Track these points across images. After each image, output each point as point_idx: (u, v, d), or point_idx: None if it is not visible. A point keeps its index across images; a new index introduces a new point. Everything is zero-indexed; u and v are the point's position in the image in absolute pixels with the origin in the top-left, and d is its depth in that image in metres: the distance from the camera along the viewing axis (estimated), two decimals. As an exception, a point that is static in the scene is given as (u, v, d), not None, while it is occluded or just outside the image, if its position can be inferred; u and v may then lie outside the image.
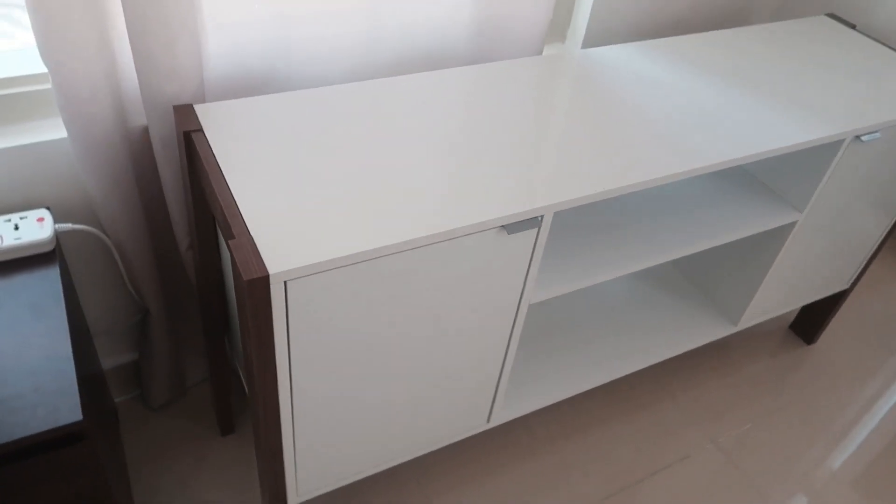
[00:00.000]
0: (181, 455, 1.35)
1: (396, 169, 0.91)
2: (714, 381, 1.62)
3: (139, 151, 1.07)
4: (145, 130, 1.06)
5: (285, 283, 0.77)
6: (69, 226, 1.04)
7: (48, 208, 1.06)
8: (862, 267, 1.56)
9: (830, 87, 1.24)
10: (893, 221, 1.47)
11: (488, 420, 1.20)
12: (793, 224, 1.27)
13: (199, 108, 0.97)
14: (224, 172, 0.87)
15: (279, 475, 0.99)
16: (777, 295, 1.45)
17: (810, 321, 1.72)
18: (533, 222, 0.90)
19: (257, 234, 0.79)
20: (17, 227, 0.99)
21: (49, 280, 0.96)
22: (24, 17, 1.12)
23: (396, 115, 1.01)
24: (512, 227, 0.88)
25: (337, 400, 0.95)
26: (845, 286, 1.60)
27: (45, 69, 1.04)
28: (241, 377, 1.21)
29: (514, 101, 1.08)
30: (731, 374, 1.65)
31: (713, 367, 1.66)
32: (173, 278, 1.27)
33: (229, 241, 0.77)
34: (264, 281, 0.74)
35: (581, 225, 1.17)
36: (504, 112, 1.06)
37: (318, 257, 0.77)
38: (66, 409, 0.82)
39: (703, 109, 1.13)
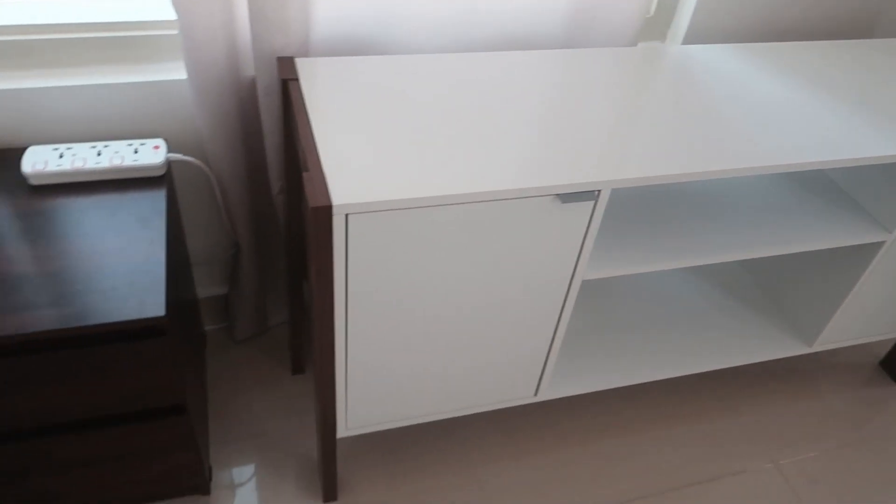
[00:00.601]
0: (254, 385, 1.48)
1: (469, 130, 0.97)
2: (783, 405, 1.56)
3: (245, 99, 1.19)
4: (252, 81, 1.17)
5: (347, 216, 0.84)
6: (179, 156, 1.17)
7: (165, 140, 1.20)
8: (965, 306, 1.45)
9: (942, 105, 1.18)
10: None
11: (536, 393, 1.24)
12: (880, 244, 1.22)
13: (299, 61, 1.07)
14: (309, 116, 0.96)
15: (330, 404, 1.07)
16: (859, 320, 1.38)
17: (903, 359, 1.62)
18: (588, 195, 0.93)
19: (329, 171, 0.87)
20: (136, 151, 1.13)
21: (156, 199, 1.09)
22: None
23: (480, 84, 1.07)
24: (566, 197, 0.91)
25: (387, 340, 1.02)
26: (944, 325, 1.50)
27: (172, 17, 1.17)
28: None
29: (595, 85, 1.11)
30: (803, 400, 1.58)
31: (784, 390, 1.60)
32: (264, 220, 1.39)
33: (303, 174, 0.86)
34: (327, 210, 0.82)
35: (646, 208, 1.18)
36: (583, 93, 1.09)
37: (379, 197, 0.84)
38: (152, 304, 0.94)
39: (792, 113, 1.11)
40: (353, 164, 0.89)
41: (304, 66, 1.06)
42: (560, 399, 1.51)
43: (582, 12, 1.26)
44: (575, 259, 1.01)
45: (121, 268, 0.98)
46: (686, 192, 1.23)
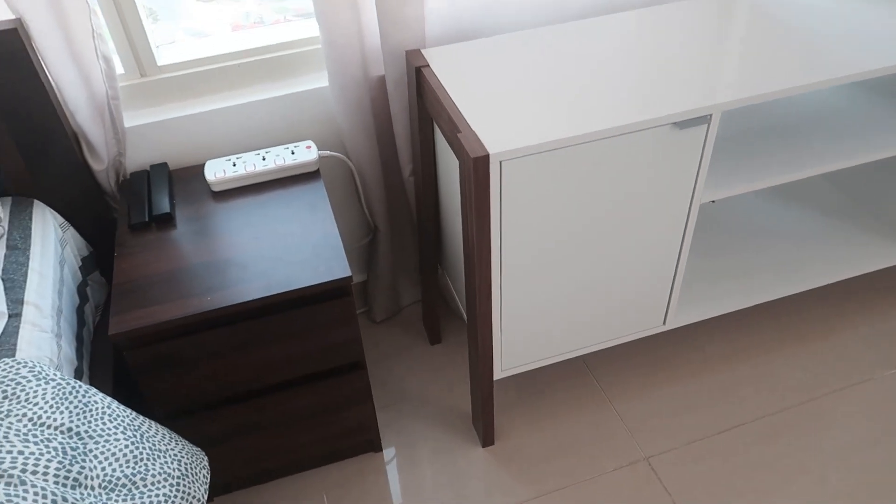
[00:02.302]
0: (399, 357, 1.64)
1: (586, 84, 1.11)
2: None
3: (376, 96, 1.36)
4: (380, 78, 1.35)
5: (500, 163, 1.00)
6: (327, 152, 1.36)
7: (313, 140, 1.39)
8: None
9: None
10: None
11: (664, 321, 1.36)
12: (975, 138, 1.29)
13: (426, 52, 1.24)
14: (449, 92, 1.12)
15: (488, 344, 1.22)
16: (965, 219, 1.45)
17: None
18: (702, 120, 1.05)
19: (479, 130, 1.03)
20: (293, 153, 1.32)
21: (317, 189, 1.28)
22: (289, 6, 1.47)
23: (584, 47, 1.21)
24: (683, 124, 1.05)
25: (536, 278, 1.16)
26: None
27: (313, 34, 1.36)
28: (449, 297, 1.47)
29: (684, 30, 1.24)
30: (918, 308, 1.64)
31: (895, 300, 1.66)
32: (396, 207, 1.56)
33: (458, 134, 1.02)
34: (485, 160, 0.98)
35: (752, 134, 1.29)
36: (675, 38, 1.22)
37: (525, 143, 0.99)
38: (338, 268, 1.11)
39: (865, 28, 1.21)
40: (496, 122, 1.04)
41: (430, 56, 1.23)
42: (684, 329, 1.62)
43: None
44: (693, 181, 1.14)
45: (304, 244, 1.16)
46: (778, 114, 1.34)
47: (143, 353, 1.07)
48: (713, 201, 1.62)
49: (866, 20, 1.24)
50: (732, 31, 1.23)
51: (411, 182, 1.46)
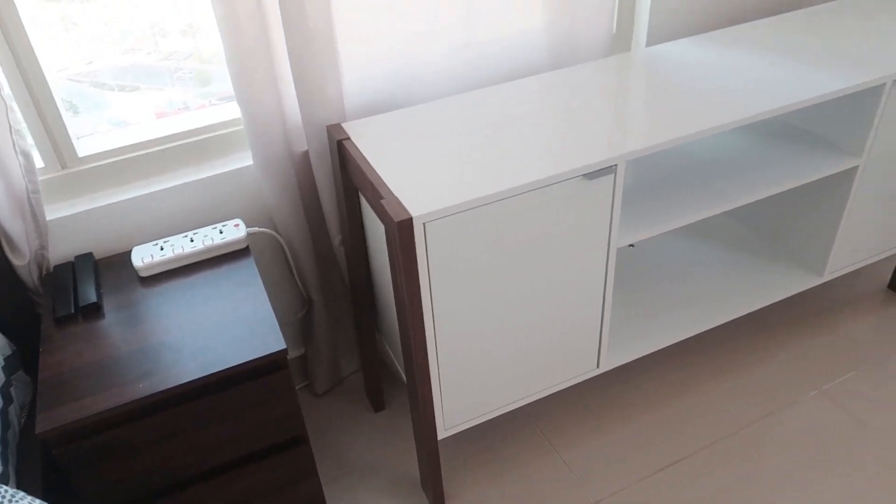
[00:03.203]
0: (343, 427, 1.63)
1: (501, 142, 1.18)
2: (815, 340, 1.73)
3: (300, 170, 1.40)
4: (304, 154, 1.39)
5: (424, 224, 1.04)
6: (256, 228, 1.37)
7: (241, 218, 1.41)
8: (945, 214, 1.65)
9: (871, 45, 1.41)
10: (965, 164, 1.57)
11: (598, 365, 1.40)
12: (854, 169, 1.42)
13: (345, 125, 1.29)
14: (370, 162, 1.17)
15: (428, 403, 1.23)
16: (858, 243, 1.57)
17: (907, 277, 1.79)
18: (609, 170, 1.13)
19: (401, 195, 1.07)
20: (221, 232, 1.33)
21: (247, 267, 1.29)
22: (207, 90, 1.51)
23: (495, 111, 1.29)
24: (591, 175, 1.12)
25: (470, 332, 1.19)
26: (932, 235, 1.69)
27: (235, 116, 1.40)
28: (388, 362, 1.48)
29: (586, 91, 1.34)
30: (829, 333, 1.75)
31: (810, 327, 1.77)
32: (330, 275, 1.58)
33: (381, 201, 1.06)
34: (409, 222, 1.02)
35: (655, 183, 1.38)
36: (578, 99, 1.31)
37: (446, 203, 1.04)
38: (273, 342, 1.12)
39: (751, 78, 1.33)
40: (417, 187, 1.09)
41: (350, 129, 1.28)
42: (619, 371, 1.67)
43: (558, 38, 1.51)
44: (608, 228, 1.20)
45: (238, 322, 1.16)
46: (677, 163, 1.44)
47: (74, 449, 1.04)
48: (631, 245, 1.71)
49: (744, 71, 1.36)
50: (630, 89, 1.34)
51: (342, 251, 1.48)
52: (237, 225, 1.35)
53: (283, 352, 1.11)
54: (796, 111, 1.54)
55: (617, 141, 1.17)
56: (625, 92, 1.33)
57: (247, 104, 1.26)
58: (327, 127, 1.30)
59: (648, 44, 1.68)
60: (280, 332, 1.13)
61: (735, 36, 1.52)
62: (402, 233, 1.02)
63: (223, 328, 1.15)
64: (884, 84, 1.32)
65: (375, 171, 1.14)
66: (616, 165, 1.14)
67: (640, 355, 1.45)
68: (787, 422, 1.54)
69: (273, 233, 1.41)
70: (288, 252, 1.45)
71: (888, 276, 1.89)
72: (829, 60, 1.38)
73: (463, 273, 1.12)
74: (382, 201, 1.06)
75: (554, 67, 1.54)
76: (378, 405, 1.66)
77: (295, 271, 1.50)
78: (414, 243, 1.04)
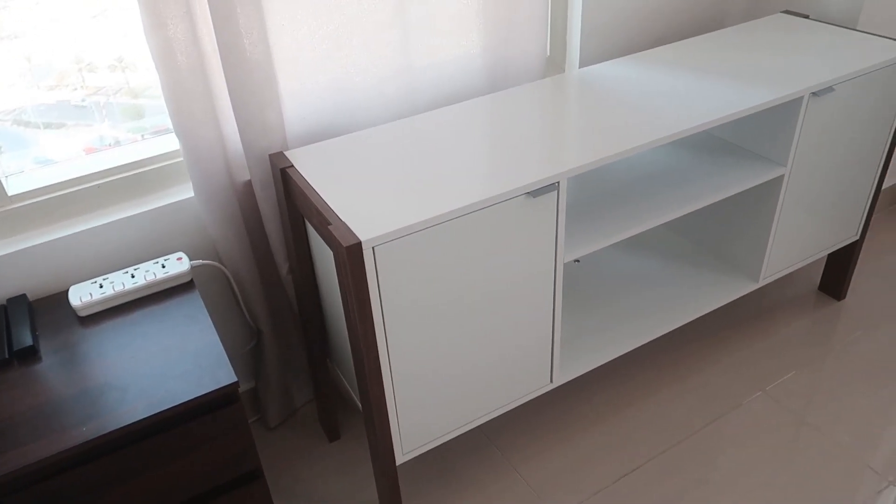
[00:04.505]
0: (299, 460, 1.60)
1: (446, 165, 1.20)
2: (754, 344, 1.80)
3: (243, 199, 1.38)
4: (247, 183, 1.38)
5: (373, 248, 1.04)
6: (200, 261, 1.35)
7: (184, 252, 1.38)
8: (865, 216, 1.75)
9: (788, 61, 1.50)
10: (880, 170, 1.67)
11: (551, 380, 1.42)
12: (781, 177, 1.50)
13: (288, 153, 1.29)
14: (316, 189, 1.16)
15: (385, 427, 1.22)
16: (789, 248, 1.65)
17: (835, 279, 1.89)
18: (551, 187, 1.16)
19: (348, 221, 1.07)
20: (163, 266, 1.30)
21: (193, 300, 1.26)
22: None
23: (439, 132, 1.31)
24: (535, 193, 1.14)
25: (424, 353, 1.20)
26: (856, 236, 1.78)
27: (175, 148, 1.37)
28: (342, 390, 1.47)
29: (524, 112, 1.37)
30: (768, 335, 1.82)
31: (751, 332, 1.83)
32: (279, 305, 1.56)
33: (328, 227, 1.06)
34: (358, 247, 1.02)
35: (595, 199, 1.42)
36: (517, 120, 1.34)
37: (394, 226, 1.04)
38: (223, 375, 1.09)
39: (680, 95, 1.39)
40: (364, 212, 1.09)
41: (293, 157, 1.27)
42: (572, 384, 1.70)
43: (494, 61, 1.54)
44: (553, 244, 1.23)
45: (185, 357, 1.13)
46: (614, 179, 1.49)
47: (17, 499, 0.99)
48: (577, 261, 1.75)
49: (673, 89, 1.42)
50: (566, 109, 1.38)
51: (290, 280, 1.47)
52: (180, 259, 1.32)
53: (234, 385, 1.08)
54: (724, 125, 1.61)
55: (557, 159, 1.20)
56: (562, 112, 1.37)
57: (186, 136, 1.24)
58: (270, 155, 1.29)
59: (581, 65, 1.74)
60: (230, 365, 1.10)
61: (662, 56, 1.59)
62: (351, 258, 1.02)
63: (170, 364, 1.12)
64: (802, 97, 1.40)
65: (321, 198, 1.14)
66: (558, 182, 1.17)
67: (592, 368, 1.47)
68: (734, 424, 1.59)
69: (218, 265, 1.39)
70: (234, 284, 1.43)
71: (818, 279, 1.98)
72: (752, 76, 1.45)
73: (414, 295, 1.13)
74: (330, 227, 1.06)
75: (492, 90, 1.58)
76: (333, 434, 1.64)
77: (242, 303, 1.47)
78: (364, 268, 1.04)
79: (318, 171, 1.22)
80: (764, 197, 1.55)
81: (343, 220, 1.08)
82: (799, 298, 1.93)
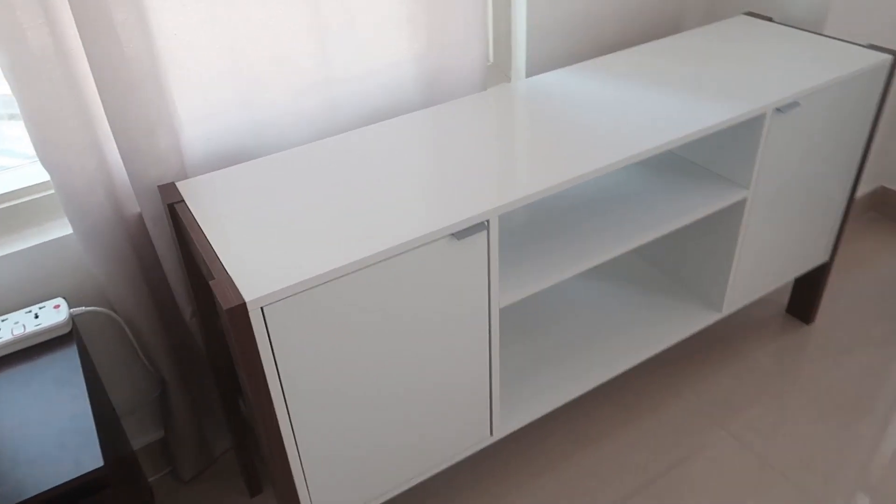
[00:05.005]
0: (215, 519, 1.42)
1: (359, 200, 1.03)
2: (718, 374, 1.66)
3: (136, 235, 1.20)
4: (138, 216, 1.19)
5: (262, 309, 0.87)
6: (82, 308, 1.16)
7: (64, 297, 1.19)
8: (835, 237, 1.62)
9: (750, 73, 1.35)
10: (850, 188, 1.54)
11: (492, 433, 1.27)
12: (743, 201, 1.35)
13: (180, 185, 1.11)
14: (203, 230, 0.99)
15: (292, 499, 1.06)
16: (754, 274, 1.51)
17: (804, 301, 1.76)
18: (480, 227, 1.00)
19: (234, 273, 0.90)
20: (36, 316, 1.12)
21: (69, 357, 1.08)
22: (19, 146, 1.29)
23: (354, 159, 1.14)
24: (461, 234, 0.98)
25: (334, 419, 1.03)
26: (825, 258, 1.66)
27: (46, 178, 1.19)
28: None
29: (458, 131, 1.21)
30: (734, 364, 1.69)
31: (713, 361, 1.70)
32: (184, 351, 1.38)
33: (210, 282, 0.89)
34: (242, 308, 0.85)
35: (539, 229, 1.26)
36: (449, 141, 1.18)
37: (291, 280, 0.87)
38: (89, 458, 0.91)
39: (628, 111, 1.24)
40: (256, 261, 0.92)
41: (185, 189, 1.09)
42: (514, 437, 1.55)
43: (429, 71, 1.37)
44: (486, 288, 1.07)
45: (48, 432, 0.95)
46: (563, 205, 1.33)
47: None
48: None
49: (627, 103, 1.27)
50: (508, 126, 1.22)
51: (195, 323, 1.29)
52: (57, 306, 1.14)
53: (101, 470, 0.91)
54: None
55: (490, 192, 1.04)
56: (502, 130, 1.21)
57: (54, 166, 1.06)
58: (158, 187, 1.11)
59: (528, 73, 1.58)
60: (98, 446, 0.93)
61: (616, 64, 1.43)
62: (234, 321, 0.85)
63: (26, 444, 0.94)
64: (764, 114, 1.25)
65: (208, 242, 0.96)
66: (488, 221, 1.01)
67: (538, 416, 1.32)
68: (697, 467, 1.45)
69: (108, 311, 1.21)
70: (130, 332, 1.25)
71: (786, 300, 1.86)
72: (709, 89, 1.31)
73: (319, 359, 0.96)
74: (213, 282, 0.89)
75: (426, 104, 1.41)
76: (255, 488, 1.47)
77: (140, 351, 1.29)
78: (252, 332, 0.87)
79: (211, 207, 1.04)
80: (725, 221, 1.41)
81: (229, 272, 0.90)
82: (765, 321, 1.80)
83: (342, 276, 0.91)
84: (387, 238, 0.95)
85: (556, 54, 1.59)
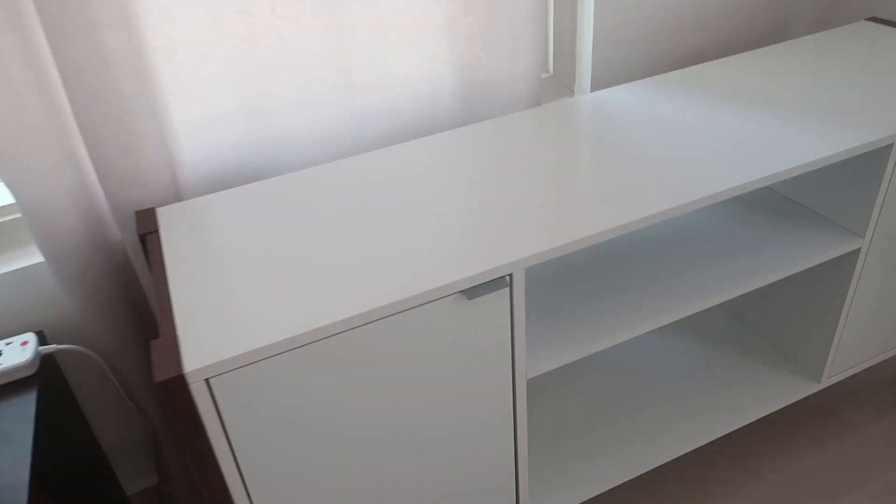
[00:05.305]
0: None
1: (356, 240, 0.83)
2: (811, 456, 1.36)
3: (120, 264, 1.06)
4: (120, 244, 1.05)
5: (208, 381, 0.69)
6: (53, 347, 1.02)
7: (38, 332, 1.06)
8: (973, 296, 1.30)
9: (874, 92, 1.07)
10: None
11: (520, 521, 1.04)
12: (856, 252, 1.07)
13: (161, 210, 0.95)
14: (167, 270, 0.82)
15: None
16: (863, 340, 1.22)
17: (927, 369, 1.44)
18: (500, 283, 0.78)
19: (185, 333, 0.72)
20: (0, 353, 0.98)
21: (22, 406, 0.93)
22: None
23: (364, 186, 0.95)
24: (473, 292, 0.77)
25: (313, 511, 0.84)
26: (958, 321, 1.33)
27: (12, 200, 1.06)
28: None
29: (496, 154, 0.99)
30: (832, 444, 1.38)
31: (810, 435, 1.40)
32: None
33: (150, 342, 0.71)
34: (178, 381, 0.67)
35: (589, 277, 1.03)
36: (485, 166, 0.97)
37: (242, 348, 0.69)
38: (10, 543, 0.76)
39: (715, 138, 0.99)
40: (213, 319, 0.74)
41: (166, 215, 0.93)
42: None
43: (469, 84, 1.17)
44: (509, 358, 0.85)
45: (-24, 501, 0.81)
46: (621, 249, 1.09)
47: None
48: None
49: (714, 128, 1.02)
50: (557, 155, 0.99)
51: (186, 365, 1.13)
52: (25, 343, 1.00)
53: (23, 559, 0.75)
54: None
55: (519, 236, 0.82)
56: (554, 156, 0.99)
57: (18, 185, 0.92)
58: (136, 213, 0.96)
59: (594, 88, 1.34)
60: (24, 527, 0.77)
61: (701, 78, 1.18)
62: (170, 395, 0.67)
63: (-52, 516, 0.79)
64: (891, 145, 0.98)
65: (166, 288, 0.79)
66: (511, 275, 0.79)
67: (581, 501, 1.09)
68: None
69: (83, 349, 1.06)
70: (109, 370, 1.10)
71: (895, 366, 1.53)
72: (820, 112, 1.04)
73: (289, 438, 0.77)
74: (153, 343, 0.71)
75: (466, 121, 1.21)
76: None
77: (124, 392, 1.14)
78: (194, 408, 0.69)
79: (186, 241, 0.87)
80: (831, 275, 1.13)
81: (179, 328, 0.73)
82: (872, 391, 1.48)
83: (312, 341, 0.72)
84: (378, 294, 0.75)
85: (629, 65, 1.35)
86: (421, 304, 0.75)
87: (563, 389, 1.26)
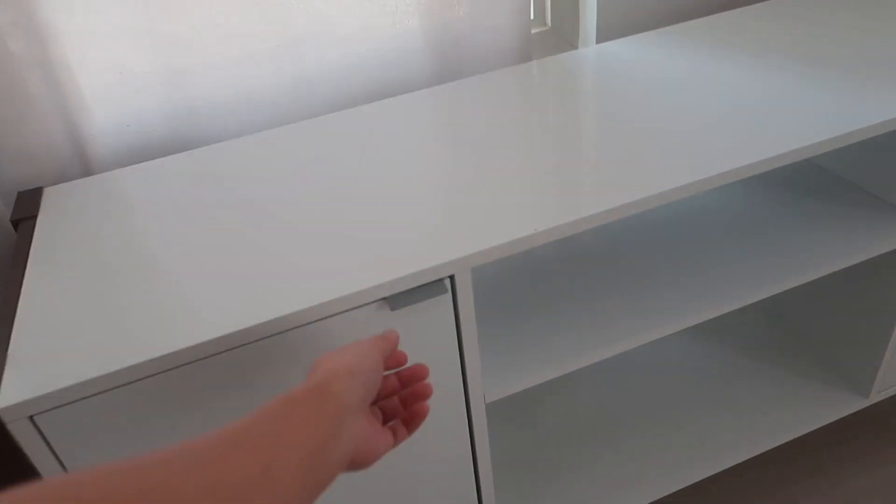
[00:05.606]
0: None
1: (263, 232, 0.66)
2: (854, 479, 1.15)
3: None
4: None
5: (32, 418, 0.52)
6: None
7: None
8: None
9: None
10: None
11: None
12: (919, 243, 0.85)
13: (49, 190, 0.79)
14: (27, 269, 0.66)
15: None
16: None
17: None
18: (437, 288, 0.59)
19: (17, 354, 0.55)
20: None
21: None
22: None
23: (295, 162, 0.77)
24: (395, 301, 0.58)
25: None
26: None
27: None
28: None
29: (468, 120, 0.80)
30: (878, 465, 1.17)
31: (851, 459, 1.18)
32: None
33: (-35, 364, 0.55)
34: (-11, 420, 0.50)
35: (580, 281, 0.83)
36: (452, 133, 0.77)
37: (76, 378, 0.52)
38: None
39: (743, 100, 0.78)
40: (72, 334, 0.57)
41: (55, 195, 0.77)
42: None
43: (442, 36, 0.97)
44: (460, 381, 0.67)
45: None
46: (613, 235, 0.89)
47: None
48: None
49: (741, 82, 0.81)
50: (541, 120, 0.80)
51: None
52: None
53: None
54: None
55: (462, 230, 0.63)
56: (537, 122, 0.79)
57: None
58: (19, 193, 0.79)
59: (599, 39, 1.13)
60: None
61: (725, 27, 0.96)
62: (-20, 439, 0.51)
63: None
64: (973, 104, 0.75)
65: (16, 294, 0.63)
66: (453, 276, 0.60)
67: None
68: None
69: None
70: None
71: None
72: (870, 68, 0.82)
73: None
74: (-30, 364, 0.55)
75: (441, 79, 1.01)
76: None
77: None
78: (22, 454, 0.53)
79: (63, 230, 0.71)
80: (887, 271, 0.91)
81: (11, 348, 0.56)
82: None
83: (164, 370, 0.54)
84: (273, 305, 0.57)
85: (642, 12, 1.13)
86: (329, 317, 0.57)
87: (549, 404, 1.07)
